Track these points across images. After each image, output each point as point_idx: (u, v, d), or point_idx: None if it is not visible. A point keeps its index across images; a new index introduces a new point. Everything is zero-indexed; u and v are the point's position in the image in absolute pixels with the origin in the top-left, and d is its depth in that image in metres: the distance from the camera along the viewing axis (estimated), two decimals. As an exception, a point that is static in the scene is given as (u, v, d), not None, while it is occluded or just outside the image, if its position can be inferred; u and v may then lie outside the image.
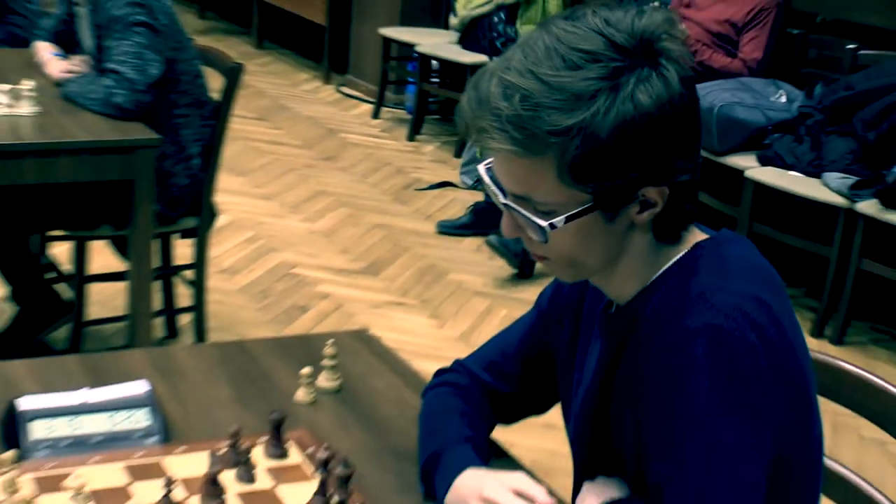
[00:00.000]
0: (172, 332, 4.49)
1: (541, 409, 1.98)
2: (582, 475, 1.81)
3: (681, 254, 1.60)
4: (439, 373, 1.98)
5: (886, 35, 5.42)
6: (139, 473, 1.79)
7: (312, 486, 1.75)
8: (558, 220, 1.50)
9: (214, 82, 4.08)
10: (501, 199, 1.55)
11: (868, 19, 5.50)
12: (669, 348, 1.51)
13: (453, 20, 7.33)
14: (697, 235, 1.62)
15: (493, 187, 1.56)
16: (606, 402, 1.71)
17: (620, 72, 1.44)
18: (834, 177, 4.94)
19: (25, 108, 3.74)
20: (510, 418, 1.99)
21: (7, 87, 3.77)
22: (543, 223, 1.50)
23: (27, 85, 3.78)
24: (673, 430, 1.50)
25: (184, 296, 4.46)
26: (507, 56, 1.49)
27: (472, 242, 5.84)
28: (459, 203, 6.34)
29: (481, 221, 5.84)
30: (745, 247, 1.62)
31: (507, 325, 1.99)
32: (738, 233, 1.67)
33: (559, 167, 1.46)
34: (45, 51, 4.20)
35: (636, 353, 1.60)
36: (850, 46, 5.37)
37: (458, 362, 1.97)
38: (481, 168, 1.58)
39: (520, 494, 1.65)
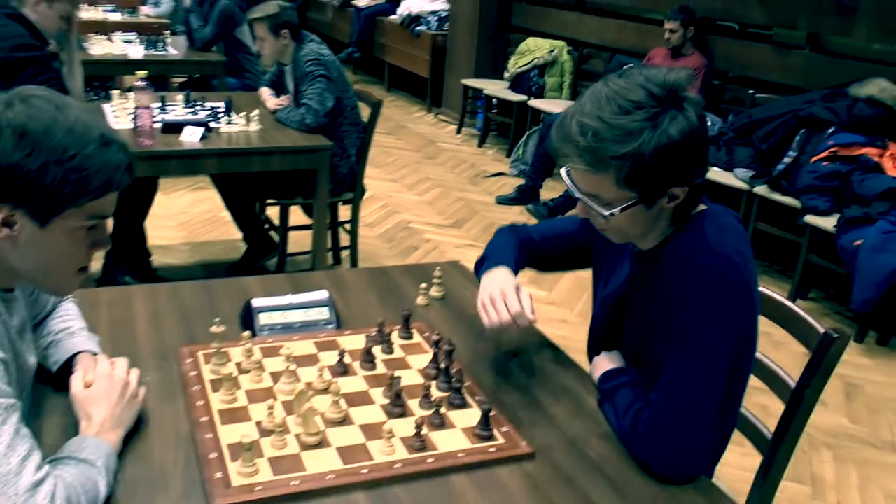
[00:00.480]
0: (337, 261, 4.48)
1: (566, 270, 1.96)
2: (596, 350, 1.76)
3: (690, 219, 1.54)
4: (511, 224, 1.94)
5: (773, 85, 5.34)
6: (323, 346, 1.78)
7: (428, 356, 1.74)
8: (615, 210, 1.46)
9: (364, 111, 4.04)
10: (577, 193, 1.49)
11: (761, 75, 5.43)
12: (682, 277, 1.46)
13: (506, 74, 7.27)
14: (700, 206, 1.57)
15: (571, 184, 1.50)
16: (625, 301, 1.67)
17: (657, 115, 1.38)
18: (740, 172, 4.87)
19: (253, 126, 3.72)
20: (545, 269, 1.95)
21: (244, 113, 3.76)
22: (606, 212, 1.47)
23: (255, 112, 3.77)
24: (677, 326, 1.45)
25: (344, 239, 4.44)
26: (581, 103, 1.43)
27: (518, 209, 5.77)
28: (510, 185, 6.28)
29: (524, 196, 5.84)
30: (732, 217, 1.56)
31: (566, 217, 1.94)
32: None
33: (617, 178, 1.42)
34: (265, 93, 4.19)
35: (656, 278, 1.55)
36: (750, 92, 5.30)
37: (523, 224, 1.92)
38: (563, 171, 1.51)
39: (506, 302, 1.62)
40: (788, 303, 1.82)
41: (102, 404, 1.37)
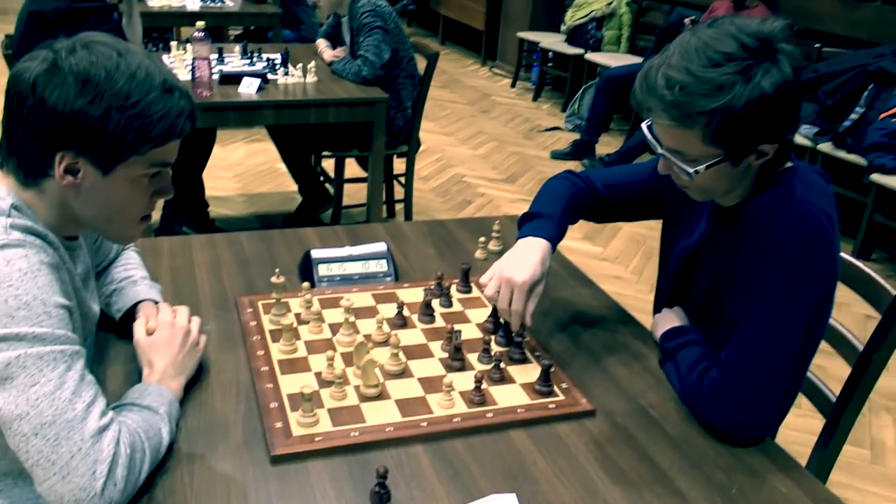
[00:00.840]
0: (391, 214, 4.47)
1: (628, 220, 1.83)
2: (662, 305, 1.72)
3: (776, 177, 1.46)
4: (568, 171, 1.83)
5: (841, 38, 5.14)
6: (381, 298, 1.76)
7: (487, 310, 1.72)
8: (700, 168, 1.38)
9: (420, 64, 3.99)
10: (659, 150, 1.42)
11: (829, 28, 5.23)
12: (766, 236, 1.39)
13: (563, 27, 7.11)
14: (788, 163, 1.48)
15: (652, 140, 1.43)
16: (697, 257, 1.61)
17: (750, 67, 1.30)
18: (804, 128, 4.72)
19: (310, 78, 3.70)
20: (604, 220, 1.82)
21: (300, 65, 3.74)
22: (690, 170, 1.39)
23: (311, 65, 3.74)
24: (757, 284, 1.38)
25: (398, 193, 4.42)
26: (668, 55, 1.35)
27: (572, 164, 5.68)
28: (564, 140, 6.19)
29: (578, 152, 5.75)
30: (820, 176, 1.48)
31: (635, 164, 1.84)
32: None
33: (703, 134, 1.34)
34: (322, 45, 4.16)
35: (735, 235, 1.48)
36: (817, 45, 5.10)
37: (583, 172, 1.81)
38: (644, 125, 1.44)
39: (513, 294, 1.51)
40: (858, 262, 1.75)
41: (164, 352, 1.38)
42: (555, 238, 1.61)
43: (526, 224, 1.65)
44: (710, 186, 1.44)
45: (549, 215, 1.65)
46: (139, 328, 1.42)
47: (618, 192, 1.77)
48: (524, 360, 1.56)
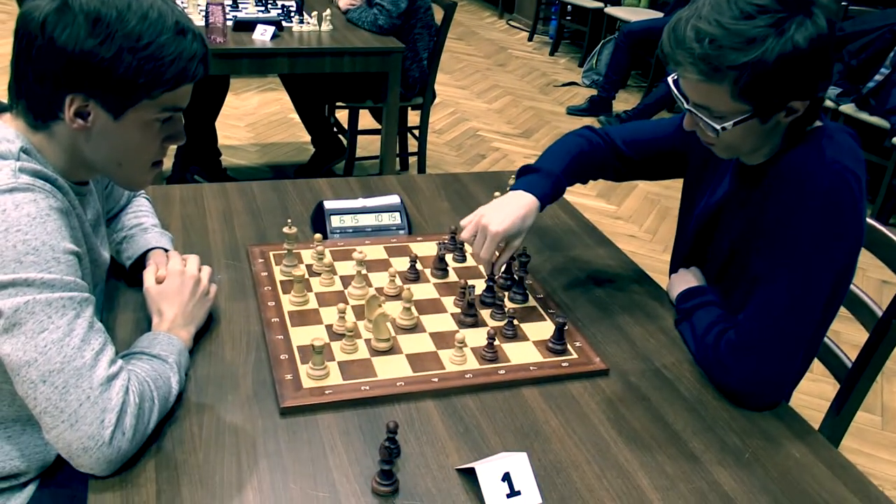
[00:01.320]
0: (405, 167, 4.44)
1: (649, 179, 1.78)
2: (679, 265, 1.69)
3: (805, 135, 1.42)
4: (587, 127, 1.77)
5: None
6: (394, 252, 1.75)
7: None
8: (728, 124, 1.34)
9: (437, 14, 3.92)
10: (685, 105, 1.39)
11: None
12: (793, 196, 1.35)
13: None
14: (817, 122, 1.44)
15: (679, 95, 1.39)
16: (719, 216, 1.58)
17: (783, 20, 1.25)
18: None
19: (325, 27, 3.65)
20: (623, 178, 1.77)
21: (315, 13, 3.68)
22: (717, 126, 1.35)
23: (327, 13, 3.68)
24: (781, 246, 1.35)
25: (412, 145, 4.38)
26: (697, 6, 1.30)
27: (588, 120, 5.63)
28: (581, 96, 6.12)
29: (595, 108, 5.69)
30: (850, 136, 1.44)
31: (657, 119, 1.79)
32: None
33: (732, 90, 1.30)
34: (336, -9, 4.09)
35: (760, 195, 1.45)
36: (843, 3, 4.97)
37: (603, 128, 1.76)
38: (669, 80, 1.40)
39: (483, 234, 1.48)
40: (881, 227, 1.71)
41: (174, 301, 1.37)
42: (546, 196, 1.56)
43: (522, 177, 1.61)
44: (737, 144, 1.40)
45: (548, 172, 1.60)
46: (149, 276, 1.40)
47: (640, 148, 1.72)
48: (537, 318, 1.55)
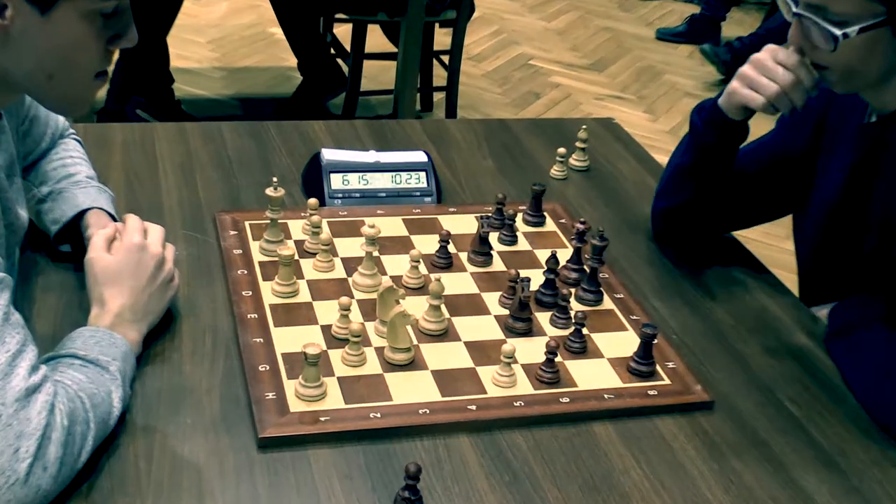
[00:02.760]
0: (427, 107, 4.44)
1: (759, 208, 1.82)
2: (814, 269, 1.70)
3: None
4: None
5: None
6: (418, 227, 1.76)
7: (567, 252, 1.70)
8: (851, 30, 1.36)
9: None
10: (793, 9, 1.41)
11: None
12: None
13: None
14: None
15: None
16: (849, 211, 1.60)
17: None
18: None
19: None
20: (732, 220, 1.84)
21: None
22: (837, 32, 1.37)
23: None
24: None
25: (439, 77, 4.38)
26: None
27: (685, 49, 5.60)
28: (677, 14, 6.09)
29: (696, 31, 5.66)
30: None
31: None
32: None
33: None
34: None
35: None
36: None
37: None
38: None
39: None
40: None
41: (126, 285, 1.37)
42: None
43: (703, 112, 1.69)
44: (858, 65, 1.43)
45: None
46: (98, 242, 1.40)
47: (750, 158, 1.77)
48: (616, 326, 1.56)
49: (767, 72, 1.52)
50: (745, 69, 1.56)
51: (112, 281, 1.38)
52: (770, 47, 1.53)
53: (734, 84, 1.58)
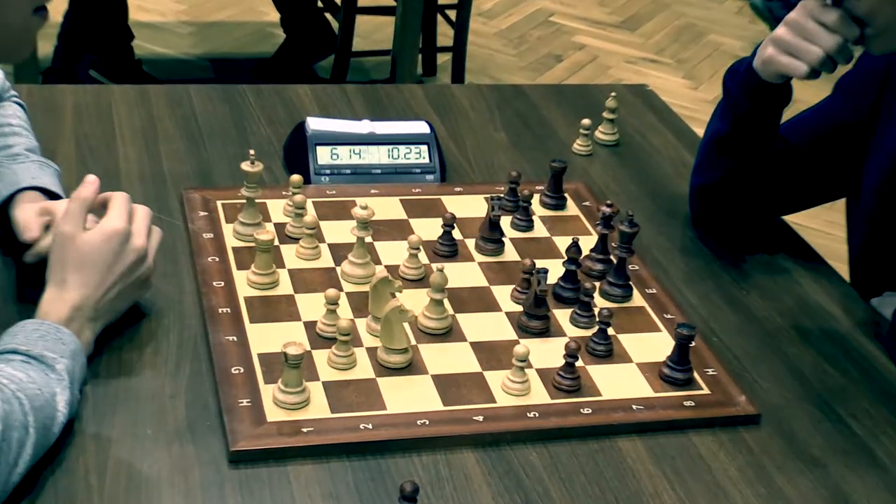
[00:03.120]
0: (431, 70, 4.44)
1: (818, 190, 1.85)
2: (867, 255, 1.71)
3: None
4: None
5: None
6: (418, 209, 1.77)
7: (591, 239, 1.70)
8: None
9: None
10: None
11: None
12: None
13: None
14: None
15: None
16: None
17: None
18: None
19: None
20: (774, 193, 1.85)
21: None
22: None
23: None
24: None
25: (445, 36, 4.38)
26: None
27: (733, 4, 5.60)
28: (722, -39, 6.10)
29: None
30: None
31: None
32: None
33: None
34: None
35: None
36: None
37: None
38: None
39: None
40: None
41: (97, 275, 1.36)
42: None
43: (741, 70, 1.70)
44: None
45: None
46: (75, 213, 1.37)
47: (800, 136, 1.79)
48: (647, 325, 1.56)
49: (807, 34, 1.53)
50: (781, 32, 1.57)
51: (82, 266, 1.36)
52: (805, 4, 1.54)
53: (770, 51, 1.59)
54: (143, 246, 1.41)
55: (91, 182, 1.41)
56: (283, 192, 1.72)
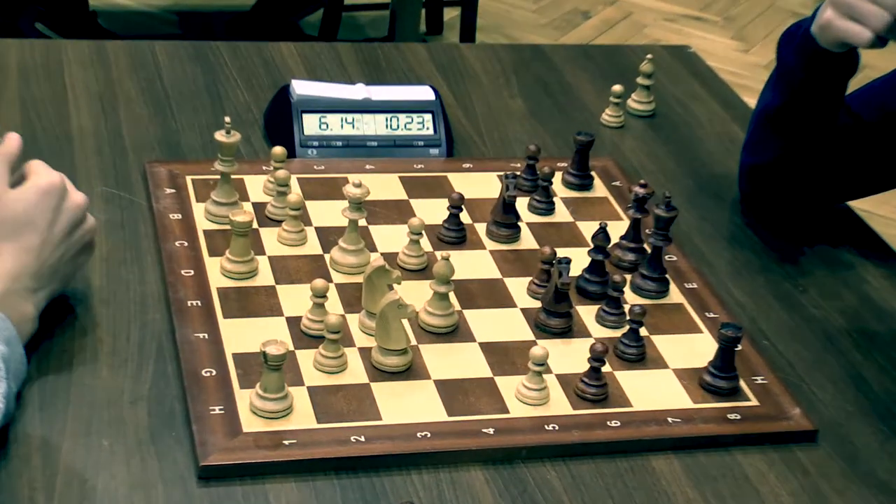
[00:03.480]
0: (437, 27, 4.44)
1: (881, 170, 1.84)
2: None
3: None
4: None
5: None
6: (420, 187, 1.78)
7: (622, 225, 1.71)
8: None
9: None
10: None
11: None
12: None
13: None
14: None
15: None
16: None
17: None
18: None
19: None
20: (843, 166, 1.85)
21: None
22: None
23: None
24: None
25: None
26: None
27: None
28: None
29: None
30: None
31: None
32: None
33: None
34: None
35: None
36: None
37: None
38: None
39: None
40: None
41: (34, 239, 1.36)
42: None
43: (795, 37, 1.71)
44: None
45: None
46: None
47: (871, 103, 1.79)
48: (686, 326, 1.57)
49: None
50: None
51: (14, 231, 1.35)
52: None
53: (828, 14, 1.59)
54: (83, 202, 1.42)
55: (14, 137, 1.42)
56: (264, 167, 1.73)
